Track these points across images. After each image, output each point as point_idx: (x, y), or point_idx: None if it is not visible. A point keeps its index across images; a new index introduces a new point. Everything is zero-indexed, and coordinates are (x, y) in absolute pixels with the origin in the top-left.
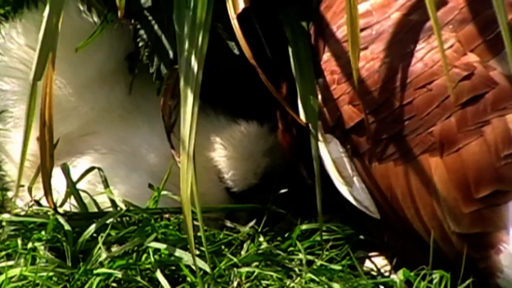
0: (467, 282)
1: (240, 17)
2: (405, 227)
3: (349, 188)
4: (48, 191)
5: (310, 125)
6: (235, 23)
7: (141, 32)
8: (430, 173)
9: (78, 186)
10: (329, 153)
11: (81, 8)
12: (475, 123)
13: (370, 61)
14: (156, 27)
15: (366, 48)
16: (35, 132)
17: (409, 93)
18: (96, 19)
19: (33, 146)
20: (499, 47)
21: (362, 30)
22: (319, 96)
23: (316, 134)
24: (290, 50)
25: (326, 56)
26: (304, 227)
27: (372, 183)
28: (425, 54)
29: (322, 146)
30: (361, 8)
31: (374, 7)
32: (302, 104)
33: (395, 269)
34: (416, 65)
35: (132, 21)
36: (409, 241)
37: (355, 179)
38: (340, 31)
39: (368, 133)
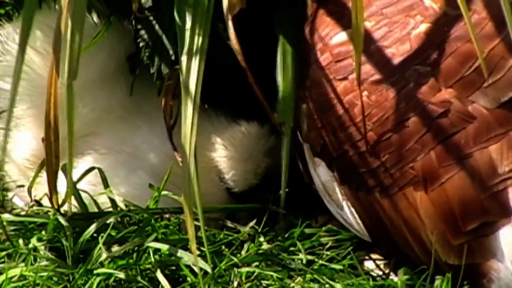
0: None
1: (238, 18)
2: (398, 251)
3: (340, 211)
4: (53, 191)
5: (283, 125)
6: (230, 24)
7: (142, 32)
8: (416, 206)
9: (79, 186)
10: (318, 176)
11: None
12: (456, 157)
13: (349, 93)
14: (156, 27)
15: (345, 78)
16: (38, 133)
17: (386, 129)
18: (96, 20)
19: (34, 146)
20: (479, 81)
21: (342, 59)
22: (305, 122)
23: (289, 133)
24: (278, 50)
25: (308, 82)
26: (306, 231)
27: (361, 210)
28: (401, 90)
29: (312, 169)
30: (342, 36)
31: None
32: (280, 104)
33: (395, 269)
34: (392, 100)
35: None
36: (405, 258)
37: (344, 203)
38: (324, 57)
39: (350, 165)
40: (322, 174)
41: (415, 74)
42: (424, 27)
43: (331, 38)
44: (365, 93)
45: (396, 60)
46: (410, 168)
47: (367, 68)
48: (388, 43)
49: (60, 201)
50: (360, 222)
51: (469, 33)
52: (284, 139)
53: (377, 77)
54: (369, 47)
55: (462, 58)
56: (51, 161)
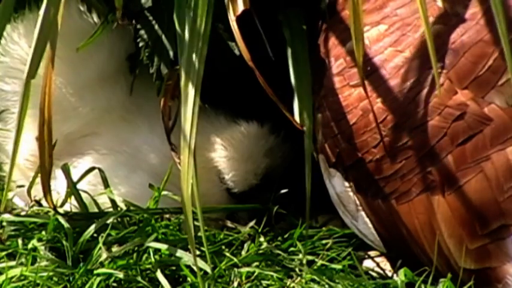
0: (469, 284)
1: (240, 18)
2: (412, 259)
3: (355, 222)
4: (47, 191)
5: (304, 127)
6: (234, 25)
7: (142, 32)
8: (433, 211)
9: (79, 186)
10: (333, 187)
11: (81, 8)
12: (474, 160)
13: (363, 100)
14: (156, 27)
15: (359, 84)
16: (34, 132)
17: (403, 135)
18: (96, 19)
19: (33, 146)
20: (494, 80)
21: (356, 65)
22: (320, 132)
23: (310, 135)
24: (288, 51)
25: (323, 91)
26: (307, 232)
27: (377, 219)
28: (417, 94)
29: (326, 180)
30: None
31: (370, 40)
32: (298, 106)
33: (396, 269)
34: (408, 106)
35: (133, 21)
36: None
37: (359, 213)
38: (338, 63)
39: (366, 172)
40: (337, 185)
41: (430, 77)
42: (435, 28)
43: (345, 44)
44: (379, 99)
45: (410, 65)
46: (427, 173)
47: (382, 74)
48: (401, 47)
49: (58, 201)
50: (374, 232)
51: (480, 32)
52: (306, 140)
53: (392, 82)
54: (382, 52)
55: (475, 58)
56: (45, 161)
